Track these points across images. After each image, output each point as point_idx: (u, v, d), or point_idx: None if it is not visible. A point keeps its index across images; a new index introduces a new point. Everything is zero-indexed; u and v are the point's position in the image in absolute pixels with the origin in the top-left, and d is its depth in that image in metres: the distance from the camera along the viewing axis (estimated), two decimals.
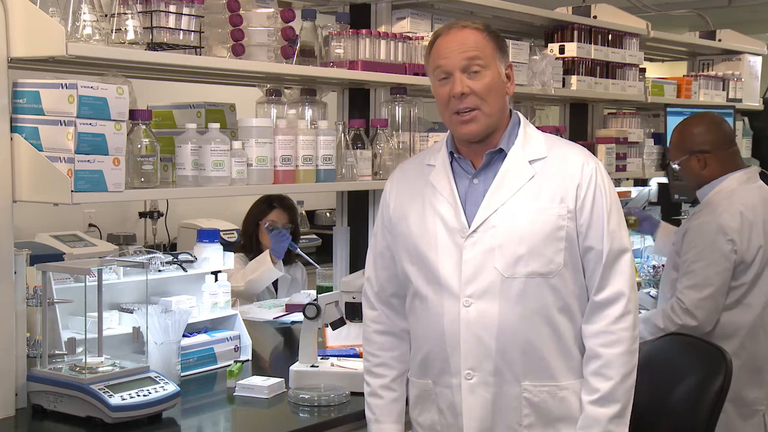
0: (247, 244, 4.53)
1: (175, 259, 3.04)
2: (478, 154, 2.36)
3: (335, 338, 3.17)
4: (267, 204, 4.49)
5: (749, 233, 3.23)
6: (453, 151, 2.40)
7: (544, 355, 2.29)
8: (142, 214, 5.87)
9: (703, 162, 3.39)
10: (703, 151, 3.39)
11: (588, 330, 2.30)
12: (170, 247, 5.77)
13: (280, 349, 3.57)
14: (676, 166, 3.50)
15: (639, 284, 4.28)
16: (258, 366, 3.12)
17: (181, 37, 2.67)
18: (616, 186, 5.56)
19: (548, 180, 2.31)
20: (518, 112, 2.44)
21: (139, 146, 2.61)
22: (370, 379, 2.51)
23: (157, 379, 2.55)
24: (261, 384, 2.74)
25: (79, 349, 2.59)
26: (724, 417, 3.17)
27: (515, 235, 2.27)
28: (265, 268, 4.22)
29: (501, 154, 2.35)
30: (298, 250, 4.35)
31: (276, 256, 4.26)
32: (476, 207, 2.32)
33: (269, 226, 4.34)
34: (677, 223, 4.31)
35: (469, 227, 2.30)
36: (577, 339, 2.32)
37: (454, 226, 2.32)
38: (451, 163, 2.40)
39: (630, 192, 5.44)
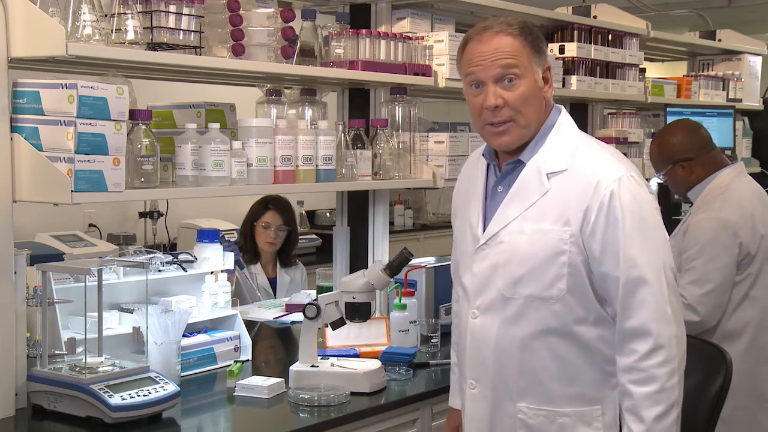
0: (244, 245, 4.53)
1: (175, 259, 3.04)
2: (505, 158, 2.29)
3: (335, 338, 3.17)
4: (262, 205, 4.49)
5: (751, 223, 3.26)
6: (486, 153, 2.33)
7: (542, 379, 2.20)
8: (142, 214, 5.87)
9: (689, 169, 3.41)
10: (686, 158, 3.41)
11: (619, 363, 2.16)
12: (170, 247, 5.77)
13: (280, 349, 3.57)
14: (661, 178, 3.52)
15: None
16: (258, 366, 3.12)
17: (181, 37, 2.67)
18: None
19: (560, 198, 2.16)
20: (561, 111, 2.30)
21: (139, 146, 2.61)
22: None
23: (157, 379, 2.55)
24: (261, 384, 2.74)
25: (79, 349, 2.59)
26: (745, 414, 3.18)
27: (517, 255, 2.19)
28: None
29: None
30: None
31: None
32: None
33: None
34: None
35: (481, 239, 2.26)
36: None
37: (476, 235, 2.28)
38: (488, 165, 2.33)
39: None
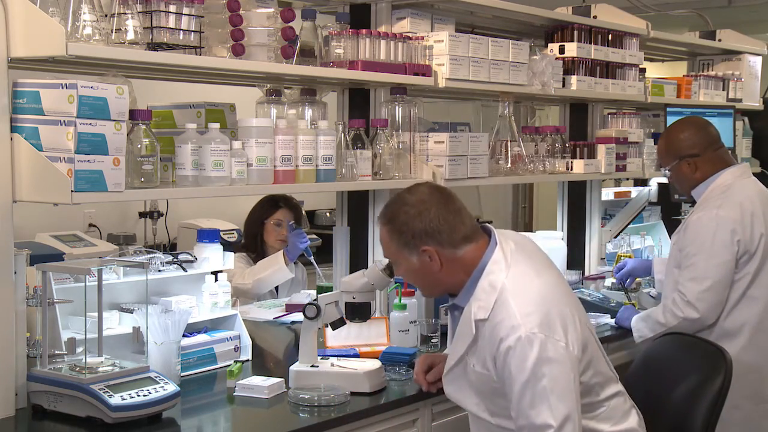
0: (249, 244, 4.52)
1: (175, 259, 3.04)
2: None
3: (335, 338, 3.17)
4: (273, 203, 4.49)
5: (751, 222, 3.26)
6: None
7: None
8: (142, 214, 5.87)
9: (694, 166, 3.42)
10: (692, 155, 3.42)
11: None
12: (170, 247, 5.77)
13: (280, 349, 3.57)
14: (666, 173, 3.53)
15: (639, 284, 4.28)
16: (258, 366, 3.12)
17: (181, 37, 2.67)
18: (615, 186, 5.58)
19: (482, 345, 2.40)
20: (493, 251, 2.45)
21: (139, 146, 2.61)
22: None
23: (157, 379, 2.55)
24: (261, 384, 2.74)
25: (79, 349, 2.59)
26: (741, 414, 3.18)
27: (471, 386, 2.47)
28: (276, 268, 4.19)
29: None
30: (312, 257, 4.22)
31: (290, 257, 4.22)
32: None
33: (292, 225, 4.32)
34: (677, 222, 4.31)
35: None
36: None
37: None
38: None
39: (630, 192, 5.45)
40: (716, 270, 3.22)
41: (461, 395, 2.53)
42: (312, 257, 4.22)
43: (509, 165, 3.93)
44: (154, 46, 2.63)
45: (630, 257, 4.46)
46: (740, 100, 5.67)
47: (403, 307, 3.28)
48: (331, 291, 3.15)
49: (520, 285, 2.41)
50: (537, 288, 2.42)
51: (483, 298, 2.40)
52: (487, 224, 2.56)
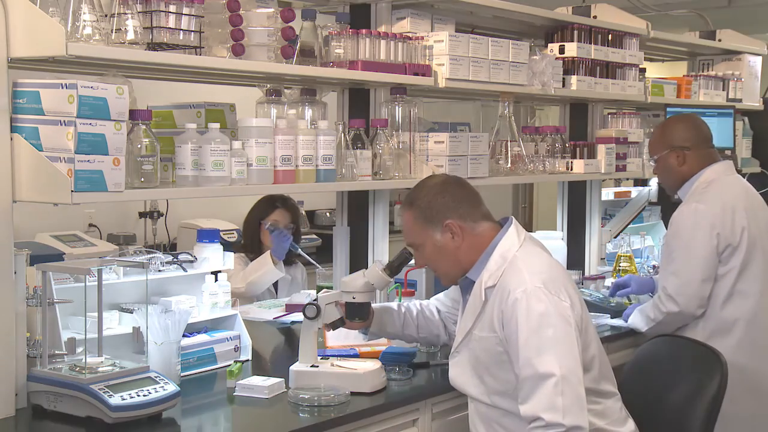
0: (248, 244, 4.52)
1: (175, 259, 3.04)
2: None
3: (335, 338, 3.17)
4: (270, 204, 4.49)
5: (731, 216, 3.30)
6: None
7: None
8: (142, 214, 5.87)
9: (682, 158, 3.48)
10: (683, 147, 3.48)
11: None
12: (170, 247, 5.77)
13: (280, 349, 3.57)
14: (652, 163, 3.58)
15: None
16: (258, 366, 3.12)
17: (181, 37, 2.67)
18: (615, 186, 5.57)
19: (491, 308, 2.52)
20: (507, 230, 2.61)
21: (139, 146, 2.61)
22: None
23: (157, 379, 2.55)
24: (261, 384, 2.74)
25: (79, 349, 2.59)
26: (737, 408, 3.19)
27: (475, 360, 2.58)
28: (266, 269, 4.21)
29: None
30: (300, 250, 4.31)
31: (277, 257, 4.25)
32: None
33: (270, 227, 4.33)
34: None
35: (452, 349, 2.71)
36: None
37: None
38: None
39: (630, 192, 5.45)
40: (694, 264, 3.27)
41: (463, 379, 2.63)
42: (299, 250, 4.30)
43: (509, 165, 3.94)
44: (154, 46, 2.63)
45: (633, 272, 4.41)
46: (740, 100, 5.67)
47: None
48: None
49: (529, 255, 2.57)
50: (546, 260, 2.60)
51: (494, 268, 2.55)
52: (506, 217, 2.70)
